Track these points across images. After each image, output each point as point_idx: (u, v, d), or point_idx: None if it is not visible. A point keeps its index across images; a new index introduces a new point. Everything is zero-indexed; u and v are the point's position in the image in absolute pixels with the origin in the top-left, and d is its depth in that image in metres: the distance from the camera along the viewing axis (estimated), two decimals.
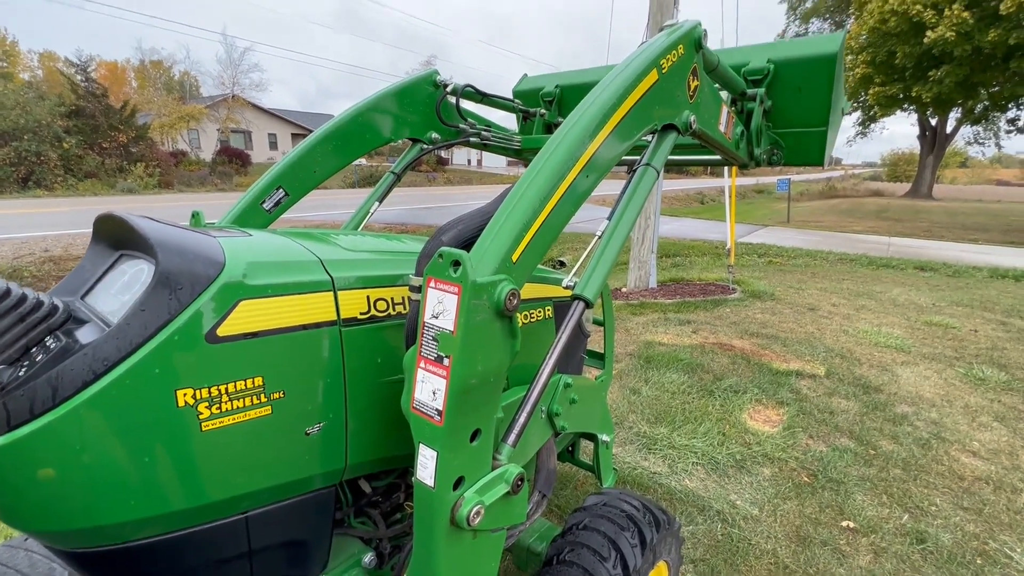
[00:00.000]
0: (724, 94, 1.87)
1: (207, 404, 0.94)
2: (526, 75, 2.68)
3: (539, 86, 2.55)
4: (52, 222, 12.05)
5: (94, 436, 0.86)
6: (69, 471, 0.86)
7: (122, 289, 1.05)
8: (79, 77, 23.73)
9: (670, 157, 1.52)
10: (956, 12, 16.40)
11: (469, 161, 57.07)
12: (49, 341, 0.89)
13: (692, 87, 1.41)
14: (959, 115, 27.30)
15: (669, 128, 1.38)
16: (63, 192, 20.42)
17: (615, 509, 1.54)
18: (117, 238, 1.16)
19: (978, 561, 2.33)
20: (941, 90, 19.36)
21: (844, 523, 2.57)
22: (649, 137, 1.38)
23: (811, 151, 1.85)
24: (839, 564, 2.30)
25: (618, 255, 1.22)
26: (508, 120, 2.58)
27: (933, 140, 30.99)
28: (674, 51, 1.30)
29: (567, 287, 1.17)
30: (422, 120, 2.07)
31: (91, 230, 1.21)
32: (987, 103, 22.63)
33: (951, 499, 2.78)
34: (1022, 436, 3.45)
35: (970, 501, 2.77)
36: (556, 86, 2.49)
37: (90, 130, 22.81)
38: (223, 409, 0.96)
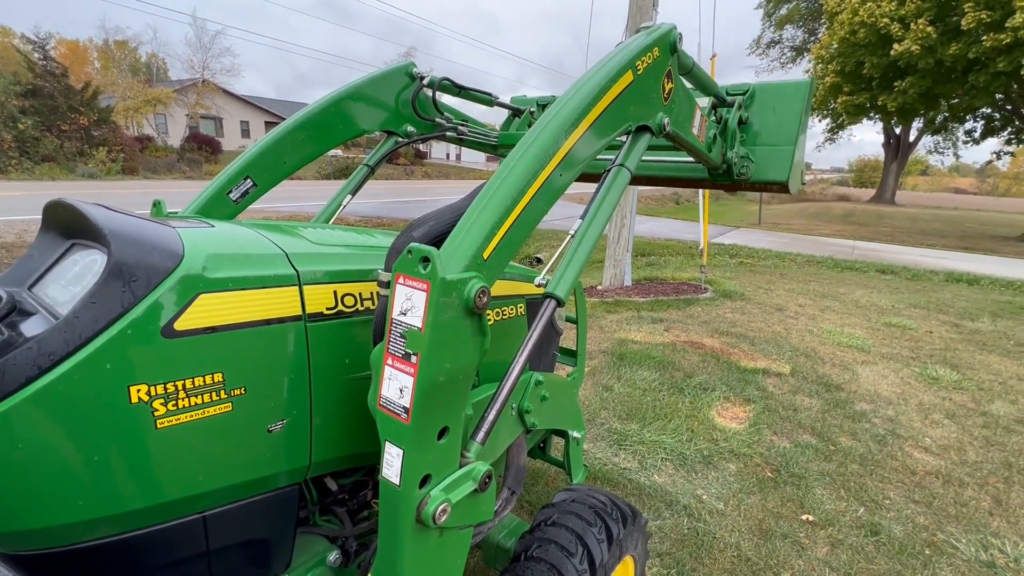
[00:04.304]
0: (704, 102, 1.91)
1: (163, 401, 0.90)
2: (525, 95, 2.60)
3: (536, 99, 2.50)
4: (5, 207, 11.44)
5: (39, 434, 0.82)
6: (12, 470, 0.82)
7: (73, 280, 1.00)
8: (37, 55, 22.48)
9: (644, 160, 1.53)
10: (921, 26, 17.03)
11: (448, 155, 56.63)
12: None
13: (667, 89, 1.43)
14: (921, 125, 28.45)
15: (643, 129, 1.39)
16: (18, 176, 19.40)
17: (583, 505, 1.56)
18: (68, 226, 1.11)
19: (927, 552, 2.45)
20: (905, 100, 20.08)
21: (804, 516, 2.66)
22: (623, 138, 1.39)
23: (778, 167, 1.96)
24: (798, 556, 2.38)
25: (590, 254, 1.22)
26: (486, 115, 2.55)
27: (897, 148, 32.25)
28: (649, 53, 1.31)
29: (539, 285, 1.17)
30: (397, 112, 2.04)
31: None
32: (947, 114, 23.61)
33: (904, 493, 2.91)
34: (970, 433, 3.64)
35: (921, 495, 2.90)
36: (553, 96, 2.46)
37: (48, 111, 21.68)
38: (180, 406, 0.93)
